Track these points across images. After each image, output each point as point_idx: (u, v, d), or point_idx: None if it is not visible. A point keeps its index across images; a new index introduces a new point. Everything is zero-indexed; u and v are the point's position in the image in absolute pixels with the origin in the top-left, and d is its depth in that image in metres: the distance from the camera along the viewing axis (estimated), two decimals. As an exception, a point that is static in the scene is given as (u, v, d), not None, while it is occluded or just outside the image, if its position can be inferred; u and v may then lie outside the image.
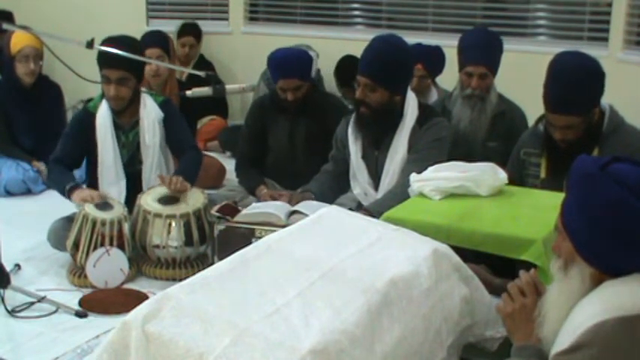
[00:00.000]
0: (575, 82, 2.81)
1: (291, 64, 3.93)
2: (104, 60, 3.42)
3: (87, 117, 3.58)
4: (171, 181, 3.35)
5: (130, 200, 3.46)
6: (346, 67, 5.29)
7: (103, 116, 3.54)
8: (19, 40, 4.49)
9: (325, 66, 5.56)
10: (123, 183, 3.56)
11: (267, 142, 4.09)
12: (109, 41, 3.35)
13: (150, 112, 3.56)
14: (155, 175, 3.56)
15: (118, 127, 3.57)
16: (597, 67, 2.87)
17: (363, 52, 3.37)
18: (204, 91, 3.16)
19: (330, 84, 5.64)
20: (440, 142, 3.35)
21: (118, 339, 1.93)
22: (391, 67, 3.27)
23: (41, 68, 4.63)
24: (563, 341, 1.63)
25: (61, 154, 3.60)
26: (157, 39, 4.56)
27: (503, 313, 1.92)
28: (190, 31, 5.80)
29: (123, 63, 3.36)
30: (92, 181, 3.60)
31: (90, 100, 3.72)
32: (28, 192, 4.53)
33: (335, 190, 3.60)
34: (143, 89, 3.71)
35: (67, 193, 3.43)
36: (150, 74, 4.34)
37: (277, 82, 3.94)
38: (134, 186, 3.54)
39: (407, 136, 3.36)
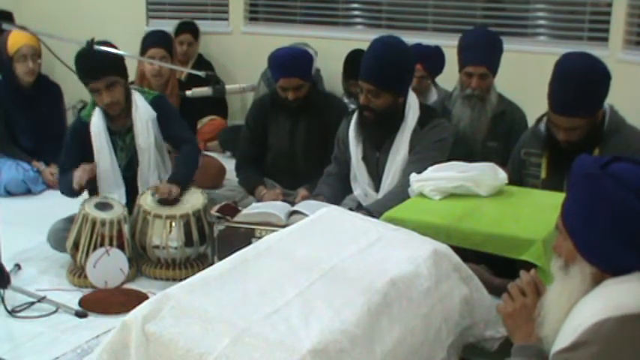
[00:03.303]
0: (582, 85, 2.78)
1: (292, 63, 3.93)
2: (85, 74, 3.38)
3: (81, 127, 3.56)
4: (164, 193, 3.34)
5: (132, 203, 3.45)
6: (355, 60, 5.28)
7: (97, 124, 3.51)
8: (16, 40, 4.49)
9: (325, 66, 5.55)
10: (122, 190, 3.54)
11: (268, 141, 4.09)
12: (87, 55, 3.29)
13: (142, 114, 3.52)
14: (152, 175, 3.55)
15: (113, 132, 3.55)
16: (603, 69, 2.84)
17: (363, 57, 3.35)
18: (204, 91, 3.15)
19: (330, 83, 5.64)
20: (441, 144, 3.35)
21: (118, 339, 1.92)
22: (394, 71, 3.26)
23: (40, 66, 4.63)
24: (564, 340, 1.63)
25: (67, 165, 3.58)
26: (160, 39, 4.55)
27: (504, 313, 1.92)
28: (187, 28, 5.80)
29: (105, 70, 3.34)
30: (93, 187, 3.58)
31: (83, 107, 3.70)
32: (28, 192, 4.54)
33: (343, 193, 3.59)
34: (134, 87, 3.69)
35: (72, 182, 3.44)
36: (152, 74, 4.34)
37: (278, 81, 3.94)
38: (135, 188, 3.53)
39: (408, 137, 3.36)
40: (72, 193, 3.53)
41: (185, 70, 4.73)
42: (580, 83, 2.79)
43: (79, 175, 3.42)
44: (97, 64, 3.28)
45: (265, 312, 1.87)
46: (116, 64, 3.40)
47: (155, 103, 3.58)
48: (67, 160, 3.59)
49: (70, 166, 3.55)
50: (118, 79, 3.44)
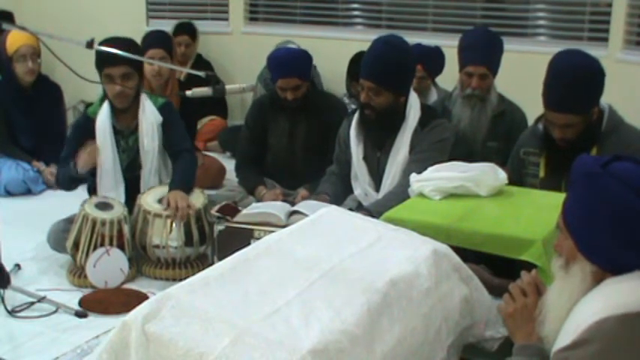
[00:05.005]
0: (575, 81, 2.80)
1: (290, 63, 3.93)
2: (105, 58, 3.38)
3: (87, 123, 3.57)
4: (177, 208, 3.28)
5: (130, 204, 3.44)
6: (360, 62, 5.26)
7: (103, 121, 3.51)
8: (15, 40, 4.49)
9: (325, 66, 5.55)
10: (121, 189, 3.53)
11: (267, 141, 4.09)
12: (108, 42, 3.33)
13: (149, 117, 3.53)
14: (154, 179, 3.55)
15: (117, 132, 3.55)
16: (597, 66, 2.86)
17: (365, 56, 3.36)
18: (204, 91, 3.15)
19: (330, 83, 5.64)
20: (442, 144, 3.35)
21: (118, 339, 1.92)
22: (395, 69, 3.26)
23: (40, 66, 4.63)
24: (565, 338, 1.64)
25: (66, 158, 3.57)
26: (160, 40, 4.55)
27: (505, 313, 1.93)
28: (185, 29, 5.80)
29: (125, 59, 3.34)
30: (93, 185, 3.58)
31: (90, 104, 3.71)
32: (28, 192, 4.54)
33: (345, 192, 3.59)
34: (144, 90, 3.70)
35: (74, 167, 3.46)
36: (151, 74, 4.34)
37: (277, 81, 3.94)
38: (134, 190, 3.52)
39: (409, 137, 3.36)
40: (69, 185, 3.54)
41: (185, 70, 4.73)
42: (574, 79, 2.80)
43: (84, 159, 3.42)
44: (121, 54, 3.27)
45: (265, 312, 1.87)
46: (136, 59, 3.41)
47: (163, 110, 3.59)
48: (68, 154, 3.58)
49: (69, 160, 3.55)
50: (134, 73, 3.46)
